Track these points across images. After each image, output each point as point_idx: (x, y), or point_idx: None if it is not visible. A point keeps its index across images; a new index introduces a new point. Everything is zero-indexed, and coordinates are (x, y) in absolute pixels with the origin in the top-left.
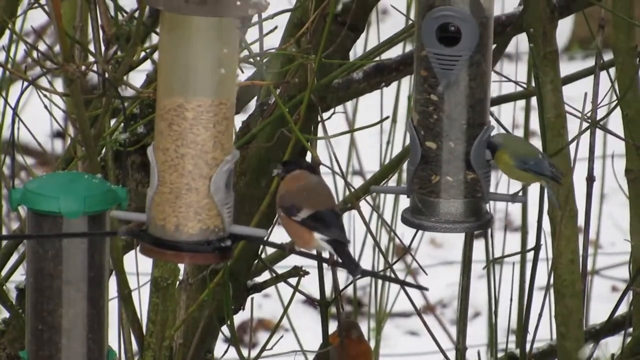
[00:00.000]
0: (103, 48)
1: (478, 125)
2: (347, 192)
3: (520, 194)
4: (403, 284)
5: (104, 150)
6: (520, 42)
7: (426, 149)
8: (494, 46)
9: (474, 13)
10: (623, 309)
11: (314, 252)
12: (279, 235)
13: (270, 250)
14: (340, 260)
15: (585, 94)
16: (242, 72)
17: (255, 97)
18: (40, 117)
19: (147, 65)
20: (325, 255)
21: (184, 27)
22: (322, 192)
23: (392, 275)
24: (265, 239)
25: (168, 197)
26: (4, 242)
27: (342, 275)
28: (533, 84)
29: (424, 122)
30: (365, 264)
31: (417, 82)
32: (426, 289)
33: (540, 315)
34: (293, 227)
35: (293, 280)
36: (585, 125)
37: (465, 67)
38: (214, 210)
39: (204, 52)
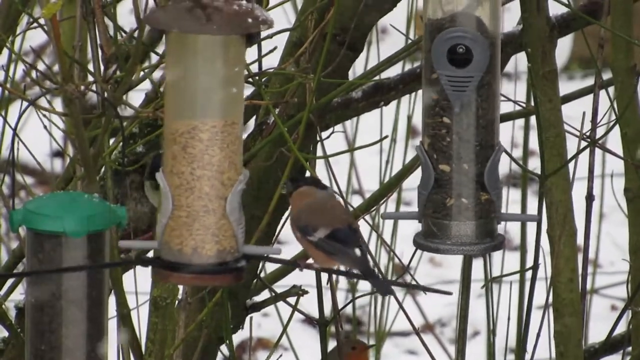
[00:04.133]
0: (102, 67)
1: (490, 146)
2: None
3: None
4: (427, 290)
5: (103, 170)
6: (519, 61)
7: (440, 172)
8: None
9: (483, 34)
10: (622, 328)
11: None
12: (285, 253)
13: (269, 270)
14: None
15: (584, 113)
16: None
17: (254, 117)
18: (39, 136)
19: (147, 85)
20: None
21: (195, 47)
22: (337, 207)
23: (393, 295)
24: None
25: (185, 220)
26: (4, 261)
27: (342, 294)
28: (532, 103)
29: (436, 146)
30: (365, 283)
31: (427, 105)
32: (450, 294)
33: (538, 334)
34: (310, 249)
35: (292, 300)
36: (584, 144)
37: (476, 88)
38: (230, 231)
39: (216, 72)
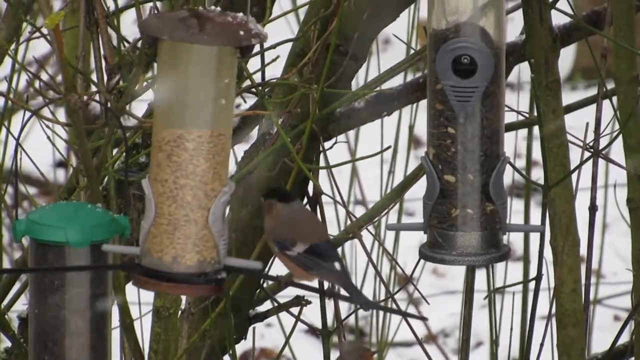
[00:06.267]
0: (105, 78)
1: (495, 157)
2: (349, 222)
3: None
4: (404, 314)
5: (105, 180)
6: (522, 72)
7: (445, 182)
8: None
9: (487, 44)
10: (625, 338)
11: (315, 282)
12: (280, 266)
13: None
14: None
15: (587, 124)
16: (245, 101)
17: (257, 127)
18: (42, 146)
19: (150, 95)
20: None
21: (186, 57)
22: (313, 221)
23: (394, 305)
24: (261, 271)
25: (166, 228)
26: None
27: (344, 304)
28: (535, 113)
29: (441, 156)
30: (367, 293)
31: (431, 116)
32: (426, 319)
33: (542, 344)
34: (288, 263)
35: (295, 310)
36: (587, 154)
37: (481, 98)
38: (211, 242)
39: (206, 82)
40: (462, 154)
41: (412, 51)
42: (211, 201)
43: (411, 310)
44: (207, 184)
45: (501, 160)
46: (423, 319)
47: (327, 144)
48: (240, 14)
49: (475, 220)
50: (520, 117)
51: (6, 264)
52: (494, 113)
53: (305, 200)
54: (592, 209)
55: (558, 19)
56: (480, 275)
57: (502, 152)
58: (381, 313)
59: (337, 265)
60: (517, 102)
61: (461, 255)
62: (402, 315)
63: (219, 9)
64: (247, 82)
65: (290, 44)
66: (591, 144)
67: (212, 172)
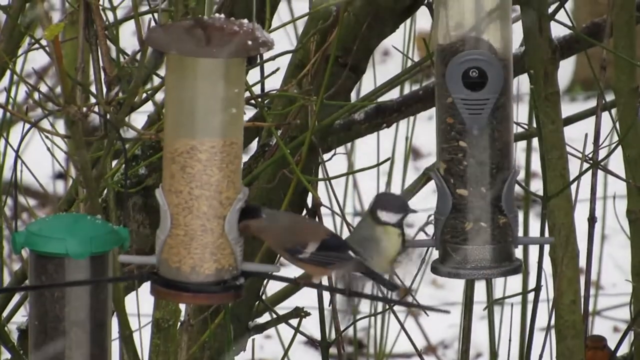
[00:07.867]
0: (104, 89)
1: (506, 169)
2: (348, 233)
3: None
4: (427, 308)
5: (105, 192)
6: (521, 83)
7: (457, 197)
8: None
9: (495, 56)
10: (624, 349)
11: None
12: (286, 275)
13: (271, 291)
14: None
15: (586, 135)
16: (244, 113)
17: (257, 138)
18: (42, 158)
19: (149, 107)
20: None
21: (195, 69)
22: (312, 222)
23: (393, 317)
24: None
25: (183, 239)
26: (6, 283)
27: (343, 315)
28: (534, 125)
29: (452, 170)
30: (366, 305)
31: (442, 130)
32: (448, 312)
33: (541, 356)
34: (304, 266)
35: (294, 321)
36: (586, 166)
37: (492, 110)
38: (228, 249)
39: (216, 93)
40: (474, 167)
41: (410, 62)
42: (226, 209)
43: (410, 321)
44: (222, 193)
45: (512, 173)
46: (446, 312)
47: (326, 156)
48: (246, 21)
49: (488, 233)
50: (520, 129)
51: (6, 276)
52: (505, 125)
53: (305, 212)
54: (591, 220)
55: (558, 31)
56: (480, 286)
57: (513, 164)
58: (379, 323)
59: (352, 253)
60: (516, 113)
61: (476, 269)
62: (425, 309)
63: (223, 16)
64: (247, 94)
65: (289, 56)
66: (590, 155)
67: (226, 181)
